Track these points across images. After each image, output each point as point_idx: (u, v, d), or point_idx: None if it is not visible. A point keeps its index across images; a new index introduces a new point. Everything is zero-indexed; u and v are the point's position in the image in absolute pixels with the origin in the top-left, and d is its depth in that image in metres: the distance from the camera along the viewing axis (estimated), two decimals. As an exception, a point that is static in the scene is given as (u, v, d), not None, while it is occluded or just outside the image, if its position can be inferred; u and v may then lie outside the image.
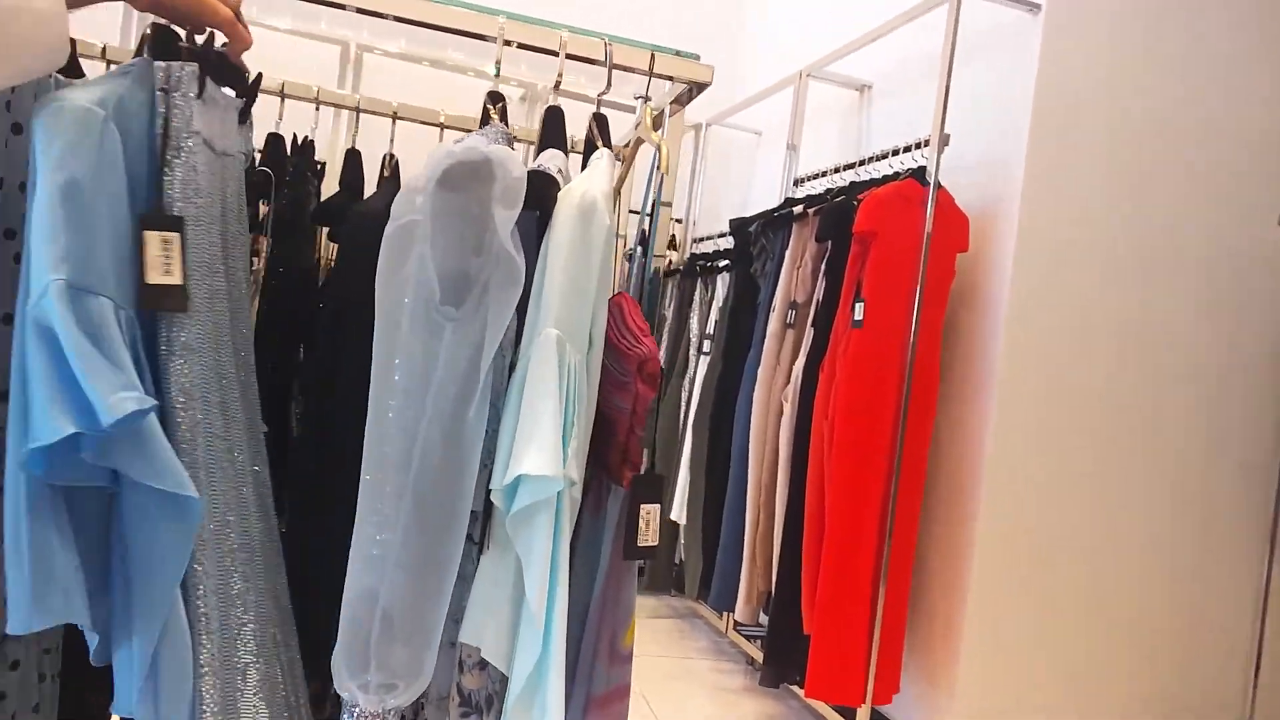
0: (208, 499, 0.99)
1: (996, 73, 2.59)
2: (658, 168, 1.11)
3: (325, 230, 1.65)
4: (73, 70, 1.16)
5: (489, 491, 0.95)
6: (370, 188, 1.62)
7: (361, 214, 1.37)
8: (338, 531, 1.34)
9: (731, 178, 4.48)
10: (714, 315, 3.33)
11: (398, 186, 1.48)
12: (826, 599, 2.43)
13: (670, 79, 1.20)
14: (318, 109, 1.57)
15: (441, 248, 0.92)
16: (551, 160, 1.03)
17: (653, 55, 1.15)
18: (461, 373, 0.92)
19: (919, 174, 2.48)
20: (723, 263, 3.37)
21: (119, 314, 0.88)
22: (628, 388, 1.00)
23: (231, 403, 1.04)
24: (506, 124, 1.08)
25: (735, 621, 3.15)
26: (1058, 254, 2.47)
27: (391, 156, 1.45)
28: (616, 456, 1.01)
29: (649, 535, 1.02)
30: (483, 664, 0.99)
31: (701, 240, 4.07)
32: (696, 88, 1.22)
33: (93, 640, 0.97)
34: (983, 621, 2.44)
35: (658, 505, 1.03)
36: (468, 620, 0.98)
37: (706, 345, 3.33)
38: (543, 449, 0.88)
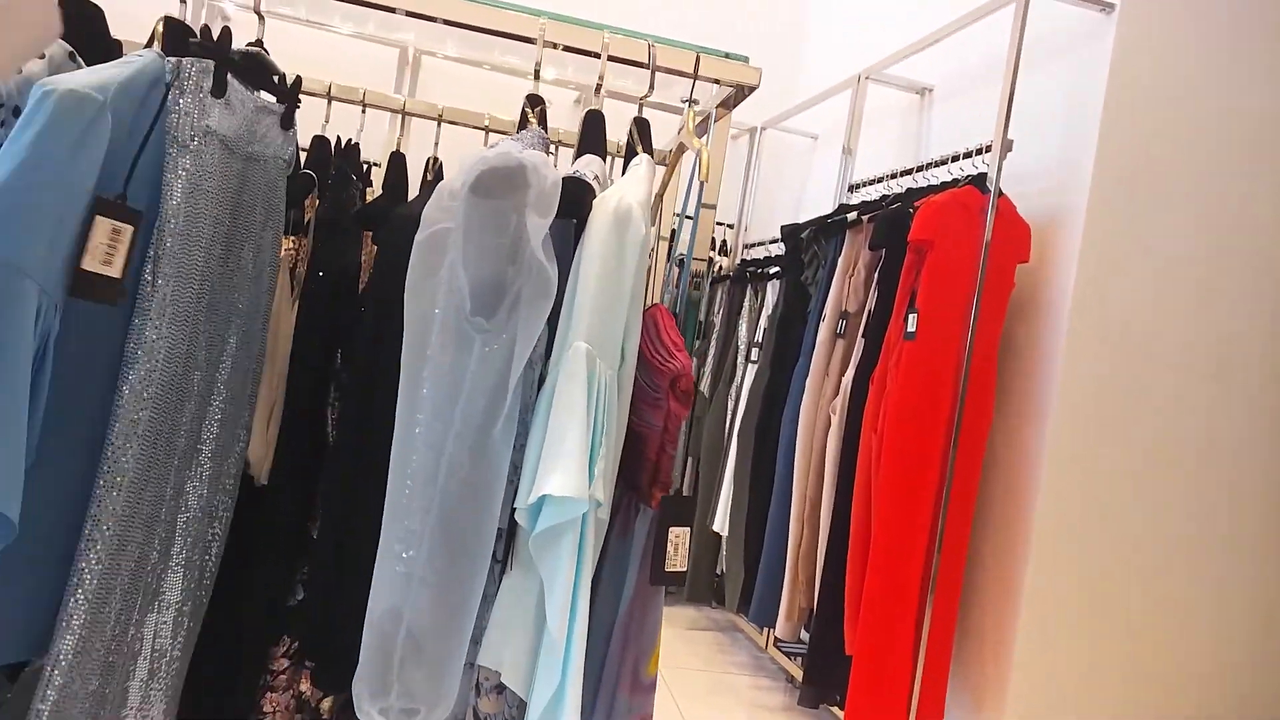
0: (126, 504, 0.97)
1: (1064, 76, 2.48)
2: (698, 175, 1.06)
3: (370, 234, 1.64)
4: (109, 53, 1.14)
5: (514, 510, 0.92)
6: (415, 190, 1.60)
7: (401, 217, 1.35)
8: (370, 540, 1.33)
9: (785, 182, 4.41)
10: (763, 323, 3.27)
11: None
12: (870, 619, 2.35)
13: (717, 82, 1.15)
14: (364, 111, 1.56)
15: (474, 256, 0.89)
16: (588, 166, 0.99)
17: (698, 57, 1.10)
18: (490, 386, 0.89)
19: (979, 181, 2.39)
20: (773, 269, 3.30)
21: (42, 299, 0.85)
22: (660, 404, 0.95)
23: (181, 423, 1.02)
24: (545, 128, 1.04)
25: (775, 637, 3.08)
26: (1122, 267, 2.36)
27: (435, 159, 1.43)
28: (647, 476, 0.97)
29: (677, 560, 0.97)
30: (500, 688, 0.96)
31: (753, 246, 4.00)
32: (745, 90, 1.17)
33: None
34: (1033, 645, 2.33)
35: (687, 529, 0.97)
36: (487, 642, 0.94)
37: (755, 353, 3.27)
38: (568, 470, 0.84)
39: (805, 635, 2.79)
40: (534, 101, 1.06)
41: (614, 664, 0.97)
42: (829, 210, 2.96)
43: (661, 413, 0.95)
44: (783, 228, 3.06)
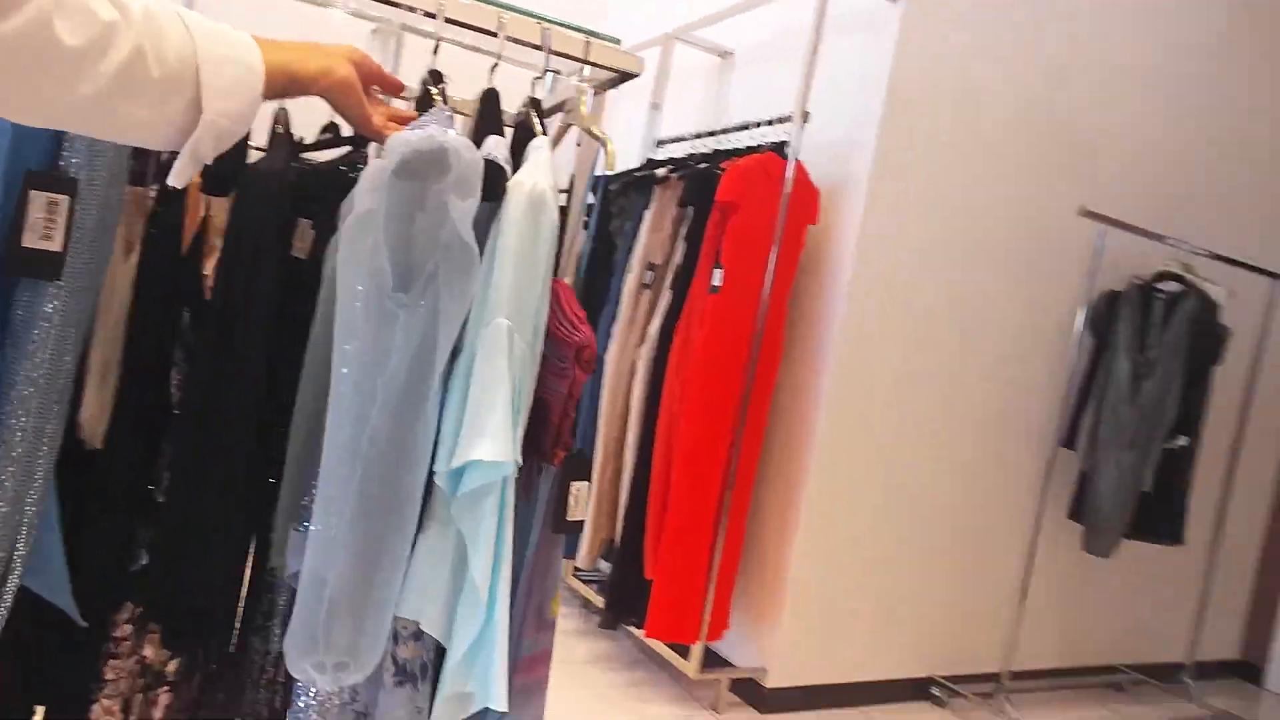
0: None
1: (856, 55, 2.74)
2: (606, 166, 1.13)
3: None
4: None
5: (431, 474, 0.97)
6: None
7: (255, 171, 1.30)
8: (218, 503, 1.30)
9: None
10: (566, 267, 3.35)
11: (291, 144, 1.41)
12: (670, 546, 2.59)
13: (605, 68, 1.21)
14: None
15: (395, 235, 0.91)
16: (497, 148, 1.02)
17: (588, 42, 1.16)
18: (411, 360, 0.92)
19: (779, 148, 2.61)
20: (582, 220, 3.39)
21: None
22: (565, 373, 1.04)
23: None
24: (446, 103, 1.06)
25: (575, 568, 3.26)
26: (897, 234, 2.70)
27: (284, 110, 1.37)
28: (550, 438, 1.05)
29: (577, 511, 1.08)
30: (418, 635, 1.02)
31: (563, 192, 4.04)
32: (627, 77, 1.24)
33: None
34: (807, 564, 2.69)
35: (586, 483, 1.08)
36: (406, 595, 1.00)
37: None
38: (496, 436, 0.91)
39: (602, 565, 2.99)
40: (436, 78, 1.06)
41: (520, 608, 1.06)
42: (636, 164, 3.08)
43: (567, 381, 1.03)
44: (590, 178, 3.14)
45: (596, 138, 1.15)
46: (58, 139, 0.93)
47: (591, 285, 3.12)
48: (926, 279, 2.77)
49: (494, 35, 1.09)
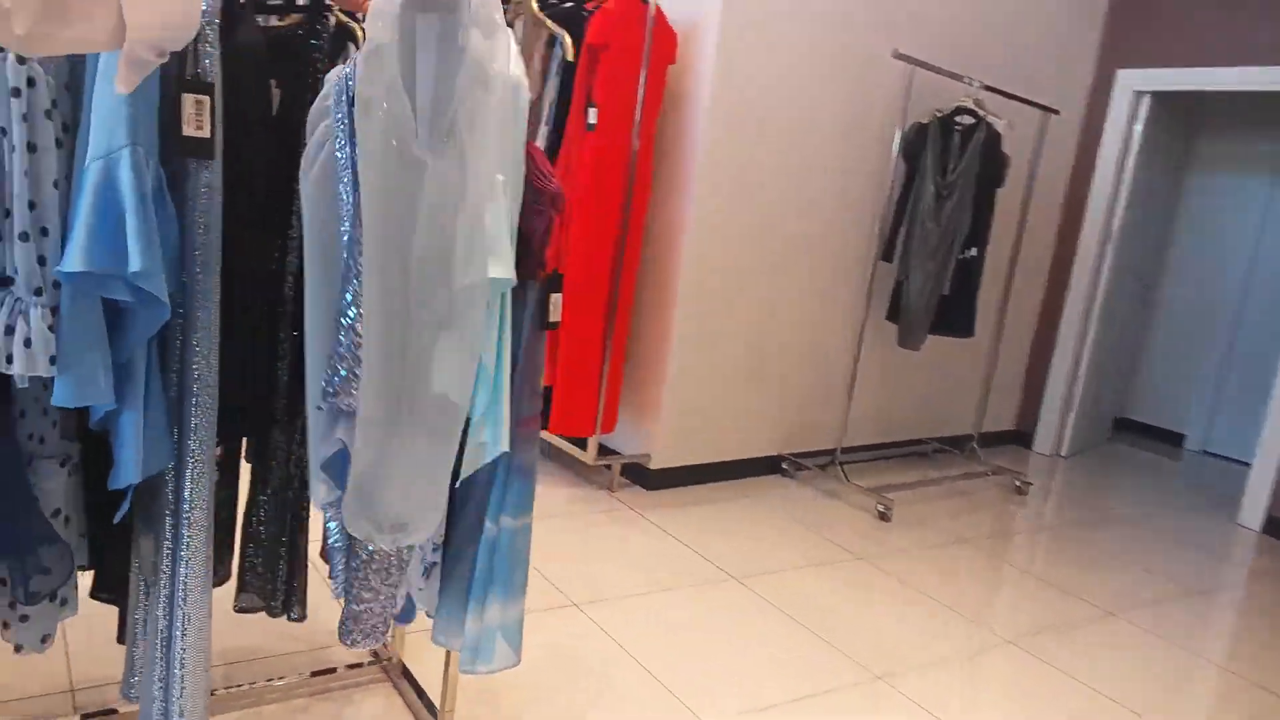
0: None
1: (704, -93, 2.99)
2: (565, 56, 1.37)
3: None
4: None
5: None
6: None
7: (238, 49, 1.43)
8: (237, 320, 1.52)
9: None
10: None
11: (253, 8, 1.55)
12: (566, 356, 2.97)
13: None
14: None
15: (410, 73, 1.10)
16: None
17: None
18: (441, 215, 1.15)
19: (640, -8, 2.86)
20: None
21: (148, 161, 1.09)
22: (543, 214, 1.36)
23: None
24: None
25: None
26: (749, 66, 3.05)
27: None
28: (535, 261, 1.38)
29: (555, 314, 1.44)
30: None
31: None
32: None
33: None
34: (679, 366, 3.15)
35: (559, 294, 1.44)
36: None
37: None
38: (505, 260, 1.22)
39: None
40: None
41: (519, 380, 1.42)
42: (503, 6, 3.22)
43: (544, 219, 1.36)
44: (459, 20, 3.26)
45: (554, 32, 1.38)
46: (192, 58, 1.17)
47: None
48: (771, 111, 3.17)
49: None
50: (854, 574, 2.74)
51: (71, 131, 1.12)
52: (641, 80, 2.87)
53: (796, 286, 3.43)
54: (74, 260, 1.04)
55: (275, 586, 1.59)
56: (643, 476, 3.21)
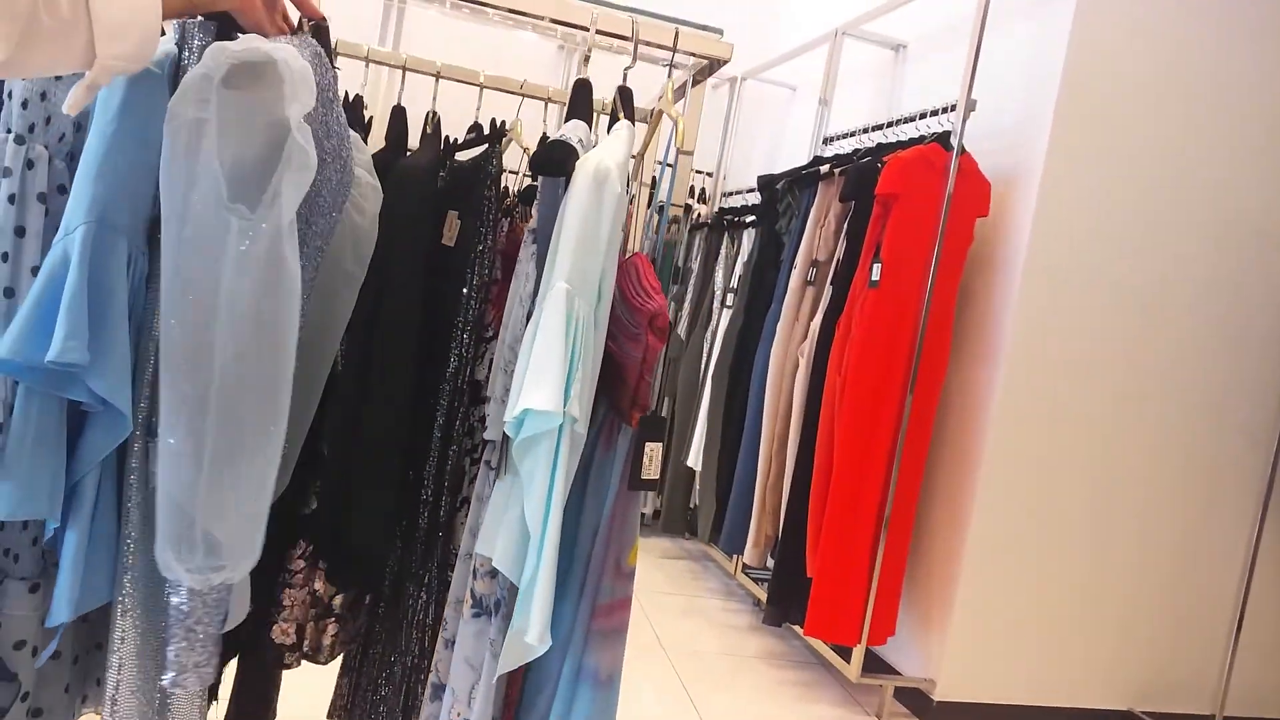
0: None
1: (1029, 39, 2.61)
2: (675, 143, 1.20)
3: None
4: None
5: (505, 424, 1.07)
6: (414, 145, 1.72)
7: (406, 168, 1.48)
8: (368, 460, 1.49)
9: (763, 132, 4.52)
10: (739, 269, 3.42)
11: (438, 142, 1.60)
12: (829, 545, 2.56)
13: (693, 55, 1.28)
14: (367, 66, 1.67)
15: (231, 147, 0.93)
16: (574, 130, 1.12)
17: (677, 32, 1.23)
18: (260, 267, 0.93)
19: (944, 139, 2.53)
20: (749, 218, 3.44)
21: (132, 250, 1.00)
22: (639, 339, 1.11)
23: None
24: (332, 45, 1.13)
25: (744, 564, 3.29)
26: (1075, 224, 2.52)
27: (434, 114, 1.55)
28: (627, 400, 1.13)
29: (651, 470, 1.15)
30: (493, 573, 1.13)
31: (730, 195, 4.13)
32: (717, 63, 1.30)
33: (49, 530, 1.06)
34: (978, 575, 2.55)
35: (660, 444, 1.15)
36: (483, 534, 1.11)
37: (730, 299, 3.43)
38: (547, 388, 1.00)
39: (770, 562, 3.00)
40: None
41: (599, 556, 1.15)
42: (804, 161, 3.09)
43: (640, 346, 1.11)
44: (759, 178, 3.19)
45: (672, 118, 1.22)
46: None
47: (759, 284, 3.16)
48: (1109, 269, 2.56)
49: (585, 30, 1.19)
50: None
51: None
52: (939, 233, 2.50)
53: (1148, 478, 2.66)
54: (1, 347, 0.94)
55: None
56: (924, 706, 2.61)
